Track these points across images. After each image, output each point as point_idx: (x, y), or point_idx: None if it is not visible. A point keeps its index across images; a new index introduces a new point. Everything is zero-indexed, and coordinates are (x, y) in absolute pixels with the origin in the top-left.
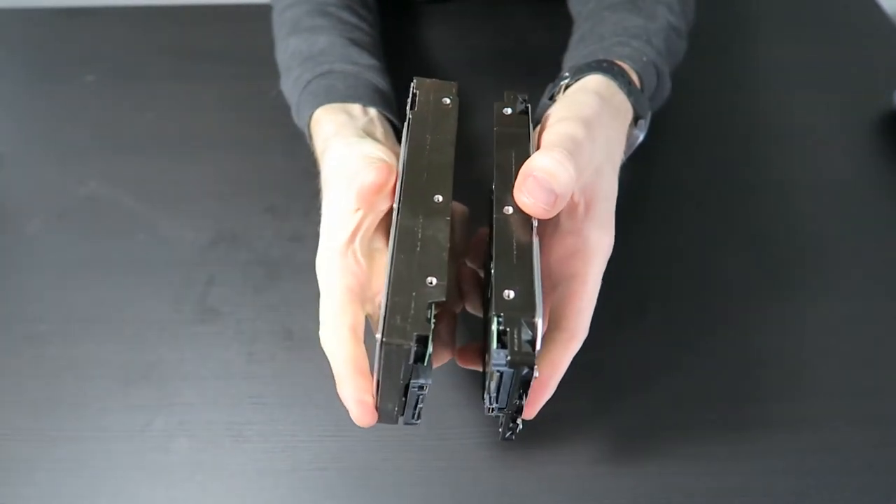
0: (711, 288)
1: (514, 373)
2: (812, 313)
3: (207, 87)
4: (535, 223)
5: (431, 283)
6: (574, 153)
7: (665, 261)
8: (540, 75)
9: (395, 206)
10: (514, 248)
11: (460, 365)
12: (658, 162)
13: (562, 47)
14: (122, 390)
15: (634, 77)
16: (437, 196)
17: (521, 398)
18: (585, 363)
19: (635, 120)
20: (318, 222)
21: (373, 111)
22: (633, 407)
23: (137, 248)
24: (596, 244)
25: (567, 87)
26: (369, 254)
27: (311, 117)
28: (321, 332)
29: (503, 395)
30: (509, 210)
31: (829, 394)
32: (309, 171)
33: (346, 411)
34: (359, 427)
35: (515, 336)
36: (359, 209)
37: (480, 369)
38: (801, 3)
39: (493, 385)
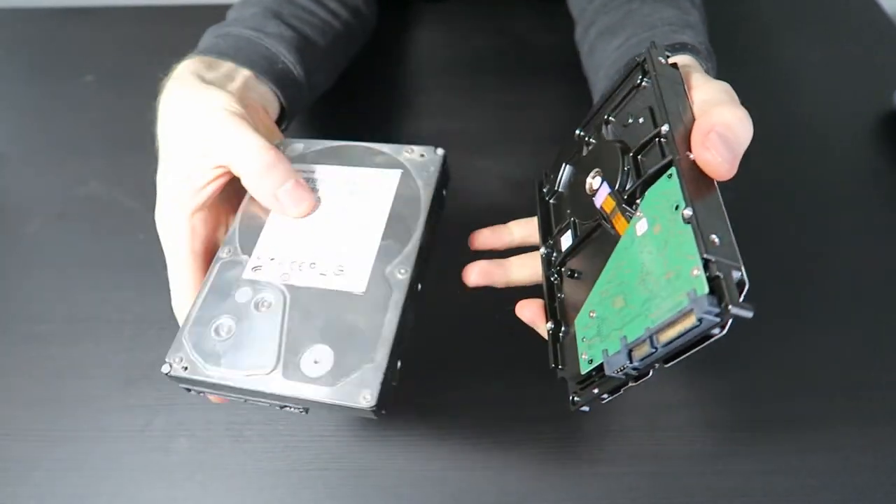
0: None
1: (712, 325)
2: (811, 313)
3: None
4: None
5: None
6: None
7: None
8: (540, 75)
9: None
10: (705, 191)
11: (520, 317)
12: None
13: (562, 47)
14: (122, 390)
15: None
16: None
17: (664, 362)
18: None
19: None
20: None
21: (246, 72)
22: (633, 407)
23: (137, 248)
24: None
25: None
26: (214, 209)
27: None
28: (173, 301)
29: (661, 353)
30: (691, 156)
31: (829, 394)
32: None
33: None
34: (359, 427)
35: (730, 284)
36: (214, 170)
37: (542, 330)
38: (801, 3)
39: (664, 337)
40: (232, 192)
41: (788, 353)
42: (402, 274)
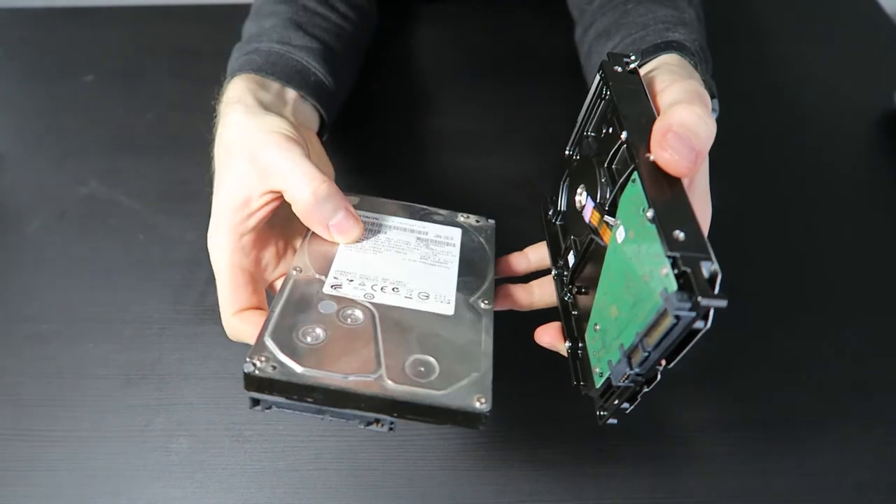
0: None
1: (690, 320)
2: (811, 312)
3: (207, 87)
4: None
5: None
6: (708, 109)
7: None
8: (540, 75)
9: None
10: (668, 191)
11: (539, 342)
12: None
13: (561, 48)
14: (122, 390)
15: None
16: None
17: (662, 364)
18: None
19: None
20: None
21: (292, 92)
22: (633, 407)
23: (137, 248)
24: (699, 218)
25: (639, 66)
26: (265, 232)
27: (225, 87)
28: (223, 317)
29: (655, 355)
30: (651, 157)
31: (830, 394)
32: None
33: None
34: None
35: (698, 277)
36: (267, 194)
37: (563, 351)
38: (801, 3)
39: (650, 340)
40: (283, 216)
41: (788, 353)
42: (486, 304)
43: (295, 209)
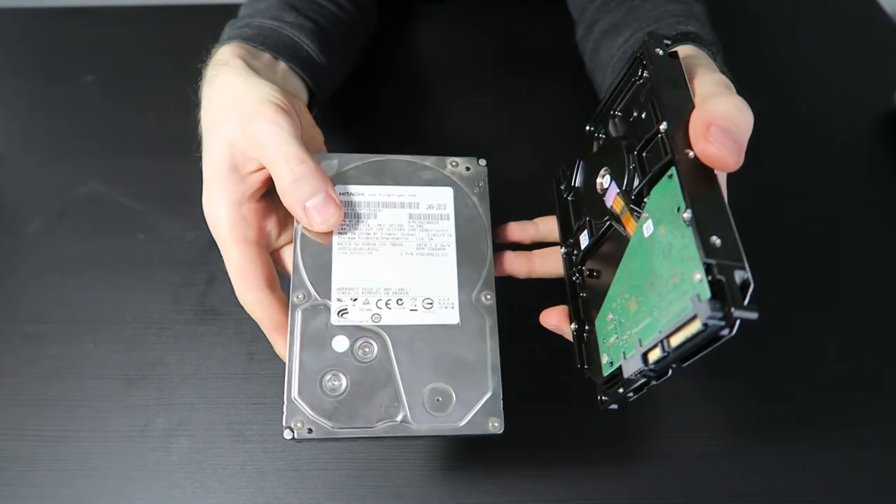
0: None
1: (718, 329)
2: (810, 312)
3: None
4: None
5: None
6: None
7: None
8: (540, 75)
9: None
10: (706, 193)
11: (544, 325)
12: None
13: (561, 47)
14: (122, 390)
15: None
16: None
17: (681, 362)
18: None
19: None
20: None
21: (282, 64)
22: (633, 407)
23: (137, 248)
24: None
25: None
26: (264, 200)
27: (212, 54)
28: (238, 295)
29: (673, 356)
30: (690, 154)
31: (830, 394)
32: None
33: None
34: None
35: (732, 287)
36: (255, 163)
37: (567, 334)
38: (801, 3)
39: (675, 340)
40: None
41: (789, 353)
42: (488, 299)
43: (278, 191)
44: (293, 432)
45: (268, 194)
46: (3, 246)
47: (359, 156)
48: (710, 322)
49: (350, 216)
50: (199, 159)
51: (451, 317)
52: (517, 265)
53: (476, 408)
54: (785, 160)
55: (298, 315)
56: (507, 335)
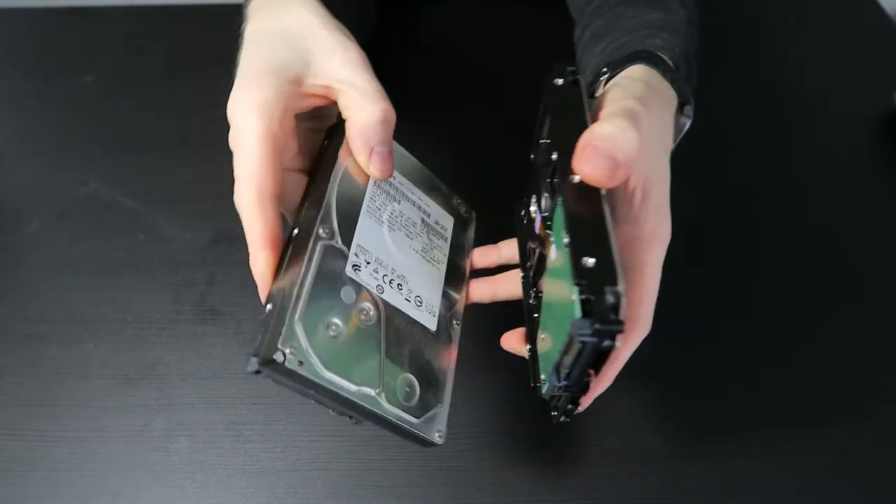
0: (711, 287)
1: (595, 344)
2: (811, 312)
3: (207, 87)
4: (604, 192)
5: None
6: (634, 122)
7: (665, 260)
8: (540, 75)
9: None
10: (587, 216)
11: (504, 348)
12: None
13: (561, 47)
14: (122, 390)
15: (671, 65)
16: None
17: (590, 375)
18: None
19: (681, 107)
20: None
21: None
22: (634, 407)
23: (137, 248)
24: (653, 232)
25: (608, 80)
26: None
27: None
28: (238, 194)
29: (576, 371)
30: (576, 179)
31: (830, 394)
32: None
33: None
34: (359, 427)
35: (601, 304)
36: (317, 87)
37: (524, 354)
38: (801, 3)
39: (567, 360)
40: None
41: (789, 353)
42: (457, 325)
43: (350, 122)
44: (284, 357)
45: (305, 120)
46: (3, 246)
47: (400, 147)
48: (582, 339)
49: (382, 189)
50: (199, 157)
51: (431, 323)
52: (479, 291)
53: (430, 412)
54: (785, 160)
55: (320, 247)
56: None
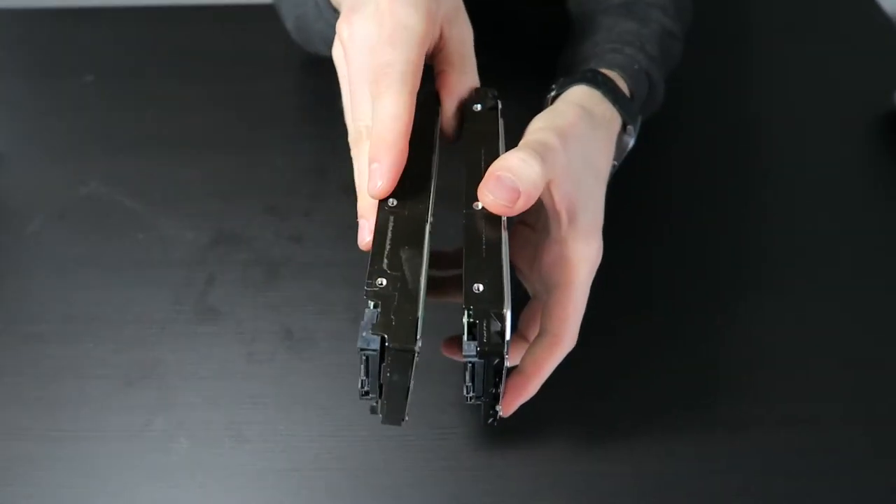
0: (710, 288)
1: (485, 363)
2: (811, 313)
3: (207, 87)
4: (505, 219)
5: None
6: (542, 154)
7: (664, 261)
8: (540, 75)
9: None
10: (483, 242)
11: (444, 354)
12: (657, 163)
13: (561, 47)
14: (122, 390)
15: (623, 85)
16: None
17: (496, 386)
18: (586, 363)
19: (624, 126)
20: (318, 222)
21: None
22: (634, 407)
23: (137, 248)
24: (580, 254)
25: (553, 99)
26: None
27: None
28: (387, 77)
29: (478, 385)
30: (478, 206)
31: (829, 394)
32: (308, 171)
33: (346, 411)
34: (359, 427)
35: (485, 328)
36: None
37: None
38: (801, 3)
39: (467, 375)
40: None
41: (789, 354)
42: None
43: (452, 81)
44: (417, 345)
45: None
46: (3, 246)
47: None
48: (469, 360)
49: None
50: (199, 157)
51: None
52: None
53: None
54: (784, 160)
55: (427, 234)
56: None
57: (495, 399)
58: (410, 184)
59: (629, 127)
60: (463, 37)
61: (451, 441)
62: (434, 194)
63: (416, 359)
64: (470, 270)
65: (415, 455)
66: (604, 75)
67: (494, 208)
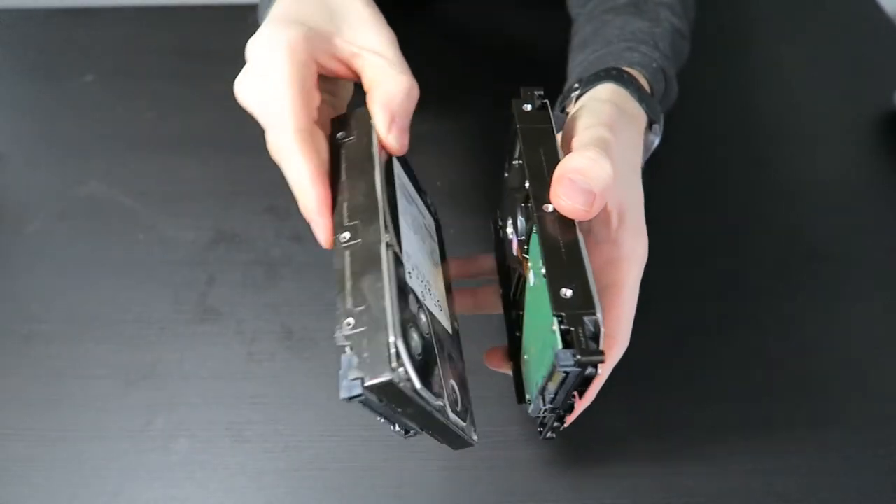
0: (711, 288)
1: (578, 373)
2: (811, 313)
3: (207, 87)
4: (577, 221)
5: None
6: (607, 152)
7: (665, 261)
8: (540, 75)
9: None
10: (562, 245)
11: (488, 366)
12: (658, 163)
13: (561, 47)
14: (122, 390)
15: (644, 83)
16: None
17: (574, 397)
18: None
19: (649, 125)
20: None
21: None
22: (634, 407)
23: (137, 248)
24: (631, 252)
25: (578, 97)
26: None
27: None
28: (272, 134)
29: (561, 395)
30: (549, 208)
31: (829, 394)
32: None
33: (346, 411)
34: (359, 427)
35: (581, 335)
36: (345, 53)
37: (509, 372)
38: (801, 3)
39: (552, 386)
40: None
41: (788, 354)
42: (456, 324)
43: (375, 91)
44: (398, 377)
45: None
46: (3, 246)
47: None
48: (566, 370)
49: (402, 190)
50: (199, 157)
51: (448, 325)
52: (462, 302)
53: (468, 415)
54: (784, 160)
55: (390, 255)
56: (505, 337)
57: (568, 410)
58: (358, 212)
59: (655, 126)
60: (372, 45)
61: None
62: (384, 212)
63: (407, 383)
64: (555, 276)
65: (415, 455)
66: (628, 73)
67: (571, 212)
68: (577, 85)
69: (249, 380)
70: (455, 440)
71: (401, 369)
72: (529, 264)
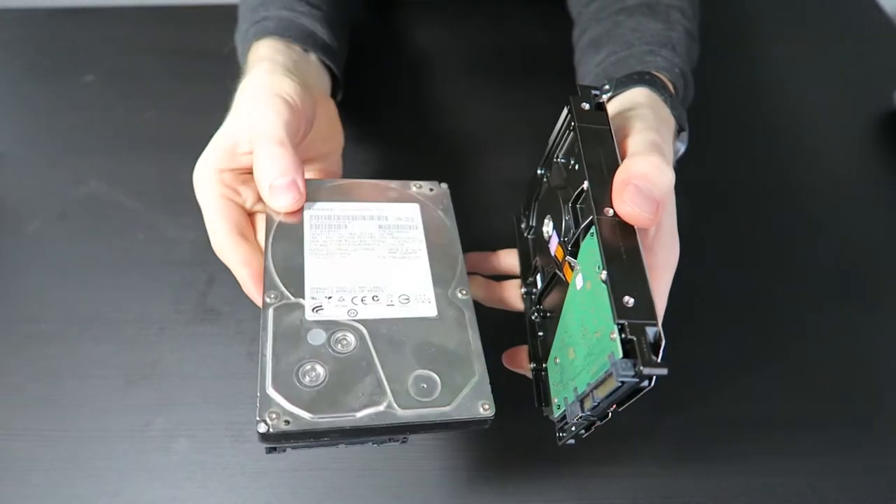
0: (710, 288)
1: (634, 384)
2: (811, 312)
3: (207, 87)
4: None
5: None
6: (667, 158)
7: None
8: (540, 75)
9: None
10: (623, 252)
11: (507, 367)
12: None
13: (561, 47)
14: (122, 390)
15: (671, 88)
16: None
17: (615, 407)
18: None
19: (677, 132)
20: None
21: (312, 56)
22: (633, 407)
23: (137, 248)
24: (665, 260)
25: (610, 98)
26: (244, 176)
27: (249, 49)
28: (215, 244)
29: (604, 404)
30: (610, 212)
31: (829, 394)
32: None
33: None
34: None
35: (643, 345)
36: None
37: (529, 374)
38: (801, 3)
39: (599, 394)
40: None
41: (789, 354)
42: (463, 294)
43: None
44: (268, 425)
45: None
46: (3, 246)
47: (324, 181)
48: (624, 380)
49: (321, 226)
50: (199, 157)
51: (429, 310)
52: (478, 293)
53: (464, 392)
54: (783, 160)
55: (270, 313)
56: (506, 337)
57: (602, 419)
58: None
59: (682, 133)
60: (252, 135)
61: (451, 441)
62: (272, 272)
63: (286, 425)
64: (617, 282)
65: (415, 455)
66: (659, 78)
67: (635, 219)
68: (607, 86)
69: (249, 380)
70: (451, 426)
71: (271, 417)
72: (578, 266)
